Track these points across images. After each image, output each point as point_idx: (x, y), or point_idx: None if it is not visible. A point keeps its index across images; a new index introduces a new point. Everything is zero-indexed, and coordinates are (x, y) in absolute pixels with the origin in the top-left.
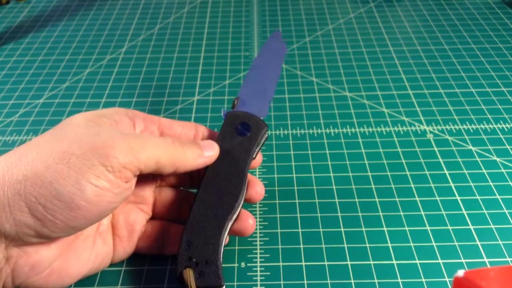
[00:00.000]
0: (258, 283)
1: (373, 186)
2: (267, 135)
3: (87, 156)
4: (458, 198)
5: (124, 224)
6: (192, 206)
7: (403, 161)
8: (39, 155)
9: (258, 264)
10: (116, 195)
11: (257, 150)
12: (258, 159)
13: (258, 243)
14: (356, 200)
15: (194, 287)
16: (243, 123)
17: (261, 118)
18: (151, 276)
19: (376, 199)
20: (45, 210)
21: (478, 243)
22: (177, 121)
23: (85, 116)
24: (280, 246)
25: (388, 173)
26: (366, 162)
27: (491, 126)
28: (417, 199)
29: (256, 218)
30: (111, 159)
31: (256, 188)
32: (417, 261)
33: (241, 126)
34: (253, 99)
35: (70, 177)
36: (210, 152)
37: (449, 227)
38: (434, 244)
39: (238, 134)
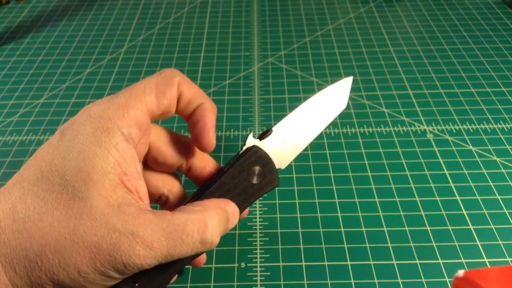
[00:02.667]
0: (258, 283)
1: (373, 186)
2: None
3: (111, 253)
4: (458, 198)
5: None
6: None
7: (403, 161)
8: (66, 252)
9: (258, 264)
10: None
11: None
12: (244, 213)
13: (258, 243)
14: (356, 200)
15: None
16: (260, 169)
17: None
18: None
19: (376, 199)
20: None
21: (478, 243)
22: (158, 83)
23: (88, 177)
24: (280, 246)
25: (388, 173)
26: (366, 162)
27: (491, 126)
28: (417, 199)
29: (256, 218)
30: (127, 259)
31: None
32: (417, 261)
33: (257, 169)
34: (285, 143)
35: (99, 273)
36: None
37: (449, 227)
38: (434, 244)
39: (247, 174)
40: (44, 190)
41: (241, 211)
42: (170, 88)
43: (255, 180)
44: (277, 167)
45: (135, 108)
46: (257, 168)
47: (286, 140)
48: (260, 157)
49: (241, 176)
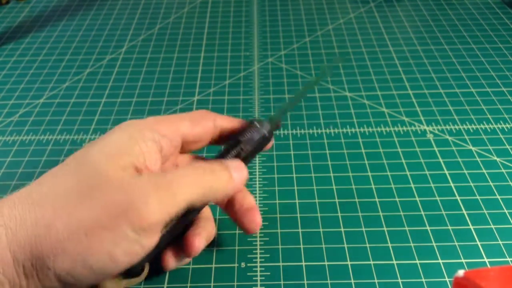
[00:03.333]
0: (258, 283)
1: (373, 186)
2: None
3: (118, 224)
4: (458, 198)
5: None
6: None
7: (403, 161)
8: (67, 225)
9: (258, 264)
10: (147, 251)
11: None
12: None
13: (258, 243)
14: (356, 200)
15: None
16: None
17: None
18: (152, 276)
19: (376, 199)
20: (74, 278)
21: (478, 243)
22: (193, 119)
23: (108, 152)
24: (280, 246)
25: (388, 173)
26: (366, 162)
27: (491, 126)
28: (417, 199)
29: None
30: (142, 222)
31: (255, 218)
32: (417, 261)
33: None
34: None
35: (102, 253)
36: (237, 174)
37: (449, 227)
38: (434, 244)
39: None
40: (63, 173)
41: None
42: (205, 119)
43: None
44: None
45: (169, 125)
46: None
47: None
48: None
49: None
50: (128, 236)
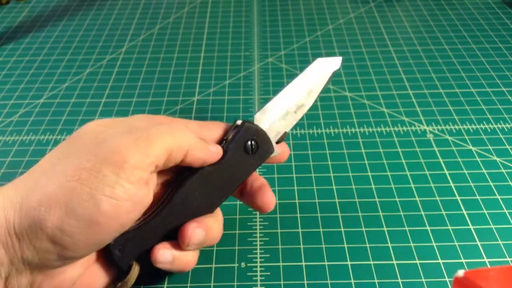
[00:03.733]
0: (258, 283)
1: (373, 186)
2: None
3: (97, 168)
4: (458, 198)
5: None
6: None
7: (403, 161)
8: (51, 177)
9: (258, 264)
10: (135, 204)
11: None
12: (285, 153)
13: (258, 243)
14: (356, 200)
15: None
16: (254, 140)
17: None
18: (152, 276)
19: (376, 199)
20: (63, 234)
21: (478, 243)
22: (203, 124)
23: (96, 122)
24: (280, 246)
25: (388, 173)
26: (366, 162)
27: (491, 126)
28: (417, 199)
29: (256, 218)
30: (121, 164)
31: (267, 196)
32: (417, 261)
33: (251, 142)
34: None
35: (83, 194)
36: (214, 148)
37: (449, 227)
38: (434, 244)
39: (244, 148)
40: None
41: (243, 180)
42: (214, 126)
43: (251, 152)
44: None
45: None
46: (251, 141)
47: (273, 114)
48: (252, 130)
49: (239, 153)
50: (107, 176)
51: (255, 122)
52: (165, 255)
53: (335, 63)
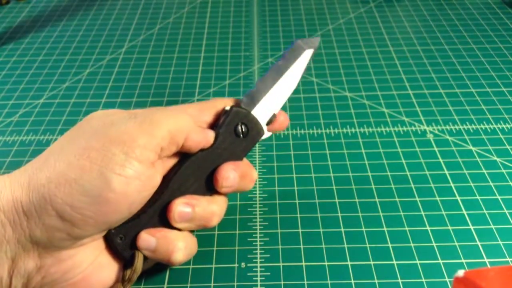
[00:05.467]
0: (258, 283)
1: (373, 186)
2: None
3: (106, 147)
4: (458, 198)
5: None
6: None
7: (403, 161)
8: (61, 156)
9: (258, 264)
10: (144, 183)
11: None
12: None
13: (258, 243)
14: (356, 200)
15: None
16: (244, 124)
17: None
18: (152, 276)
19: (376, 199)
20: (73, 210)
21: (478, 243)
22: (201, 108)
23: (103, 110)
24: (280, 246)
25: (388, 173)
26: (366, 162)
27: (491, 126)
28: (417, 199)
29: (256, 218)
30: (130, 144)
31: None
32: (417, 261)
33: (241, 126)
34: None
35: (93, 171)
36: (210, 133)
37: (449, 227)
38: (434, 244)
39: (235, 133)
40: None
41: (237, 163)
42: (212, 108)
43: (242, 136)
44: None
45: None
46: (241, 125)
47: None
48: (241, 115)
49: (230, 137)
50: (117, 155)
51: (243, 106)
52: (147, 240)
53: (314, 43)
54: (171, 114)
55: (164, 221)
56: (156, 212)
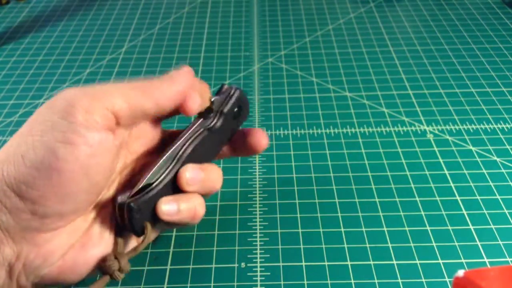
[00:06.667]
0: (258, 283)
1: (373, 186)
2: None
3: (48, 117)
4: (458, 198)
5: None
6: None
7: (403, 161)
8: (13, 138)
9: (258, 264)
10: (95, 148)
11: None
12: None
13: (258, 243)
14: (356, 200)
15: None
16: (239, 106)
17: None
18: (151, 276)
19: (376, 199)
20: (28, 187)
21: (478, 243)
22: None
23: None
24: (280, 246)
25: (388, 173)
26: (366, 162)
27: (491, 126)
28: (417, 199)
29: (256, 218)
30: (71, 109)
31: (257, 136)
32: (417, 261)
33: (238, 108)
34: None
35: (36, 143)
36: (181, 73)
37: (449, 227)
38: (434, 244)
39: (233, 114)
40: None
41: (226, 142)
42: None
43: (235, 117)
44: None
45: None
46: (238, 107)
47: None
48: (242, 97)
49: (230, 118)
50: (57, 122)
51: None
52: (170, 205)
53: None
54: (127, 87)
55: (176, 190)
56: (165, 183)
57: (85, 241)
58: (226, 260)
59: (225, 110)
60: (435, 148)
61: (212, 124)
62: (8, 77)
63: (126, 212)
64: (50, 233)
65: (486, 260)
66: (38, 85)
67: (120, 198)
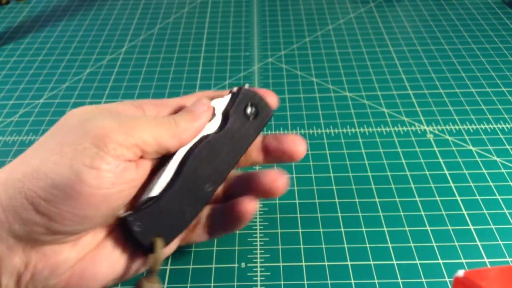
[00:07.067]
0: (258, 283)
1: (373, 186)
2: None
3: (79, 141)
4: (458, 198)
5: None
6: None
7: (403, 161)
8: (36, 152)
9: (258, 264)
10: (119, 176)
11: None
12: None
13: (258, 243)
14: (356, 200)
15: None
16: (253, 105)
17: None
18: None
19: (376, 199)
20: (47, 204)
21: (478, 243)
22: (185, 98)
23: (84, 107)
24: (280, 246)
25: (388, 173)
26: (366, 162)
27: (491, 126)
28: (417, 199)
29: (256, 218)
30: (103, 138)
31: (288, 142)
32: (417, 261)
33: (250, 107)
34: None
35: (64, 165)
36: (203, 110)
37: (449, 227)
38: (434, 244)
39: (244, 114)
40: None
41: (248, 147)
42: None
43: (252, 118)
44: None
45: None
46: (250, 106)
47: None
48: (250, 95)
49: (240, 119)
50: (88, 148)
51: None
52: (253, 204)
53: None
54: (154, 121)
55: (189, 201)
56: (175, 196)
57: (95, 255)
58: (226, 260)
59: (230, 111)
60: (435, 148)
61: (216, 129)
62: (8, 77)
63: (125, 226)
64: (59, 245)
65: (486, 260)
66: (38, 85)
67: (122, 214)
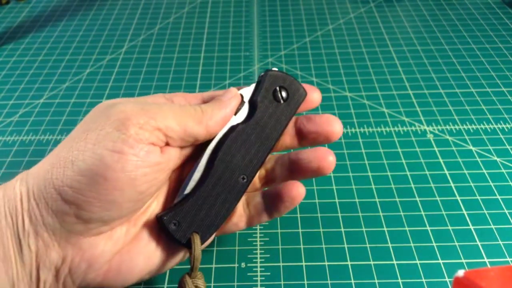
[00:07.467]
0: (258, 283)
1: (373, 186)
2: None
3: (101, 127)
4: (458, 198)
5: None
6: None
7: (403, 161)
8: (65, 143)
9: (258, 264)
10: (142, 159)
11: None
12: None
13: (258, 243)
14: (356, 200)
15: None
16: (283, 88)
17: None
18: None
19: (376, 199)
20: (74, 192)
21: (478, 243)
22: (218, 92)
23: (110, 100)
24: (280, 246)
25: (388, 173)
26: (366, 162)
27: (491, 126)
28: (417, 199)
29: None
30: (125, 122)
31: (323, 123)
32: (417, 261)
33: (279, 90)
34: None
35: (88, 151)
36: (230, 97)
37: (449, 227)
38: (434, 244)
39: (275, 99)
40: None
41: (281, 133)
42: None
43: (282, 100)
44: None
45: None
46: (280, 88)
47: None
48: (278, 78)
49: (271, 104)
50: (110, 133)
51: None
52: (302, 188)
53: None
54: (180, 108)
55: (223, 194)
56: (207, 191)
57: (130, 249)
58: (226, 260)
59: (259, 98)
60: (435, 148)
61: (245, 117)
62: (8, 77)
63: (162, 225)
64: (94, 238)
65: (486, 260)
66: (38, 85)
67: (158, 214)
